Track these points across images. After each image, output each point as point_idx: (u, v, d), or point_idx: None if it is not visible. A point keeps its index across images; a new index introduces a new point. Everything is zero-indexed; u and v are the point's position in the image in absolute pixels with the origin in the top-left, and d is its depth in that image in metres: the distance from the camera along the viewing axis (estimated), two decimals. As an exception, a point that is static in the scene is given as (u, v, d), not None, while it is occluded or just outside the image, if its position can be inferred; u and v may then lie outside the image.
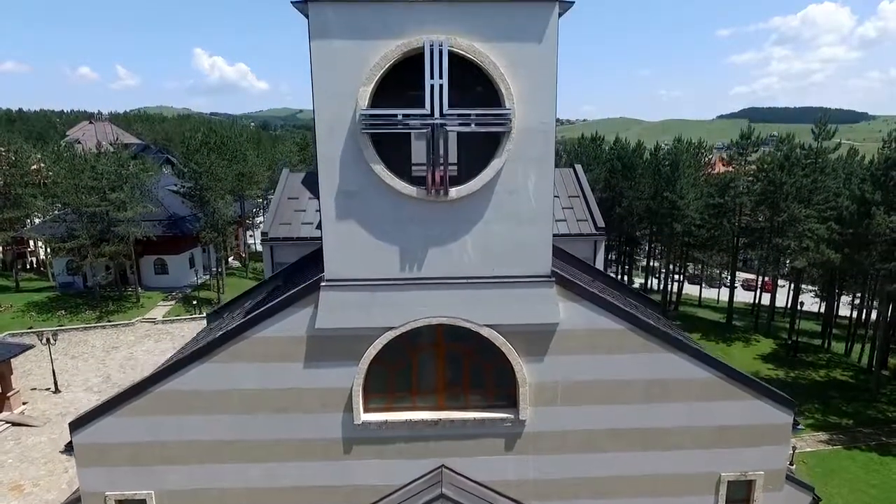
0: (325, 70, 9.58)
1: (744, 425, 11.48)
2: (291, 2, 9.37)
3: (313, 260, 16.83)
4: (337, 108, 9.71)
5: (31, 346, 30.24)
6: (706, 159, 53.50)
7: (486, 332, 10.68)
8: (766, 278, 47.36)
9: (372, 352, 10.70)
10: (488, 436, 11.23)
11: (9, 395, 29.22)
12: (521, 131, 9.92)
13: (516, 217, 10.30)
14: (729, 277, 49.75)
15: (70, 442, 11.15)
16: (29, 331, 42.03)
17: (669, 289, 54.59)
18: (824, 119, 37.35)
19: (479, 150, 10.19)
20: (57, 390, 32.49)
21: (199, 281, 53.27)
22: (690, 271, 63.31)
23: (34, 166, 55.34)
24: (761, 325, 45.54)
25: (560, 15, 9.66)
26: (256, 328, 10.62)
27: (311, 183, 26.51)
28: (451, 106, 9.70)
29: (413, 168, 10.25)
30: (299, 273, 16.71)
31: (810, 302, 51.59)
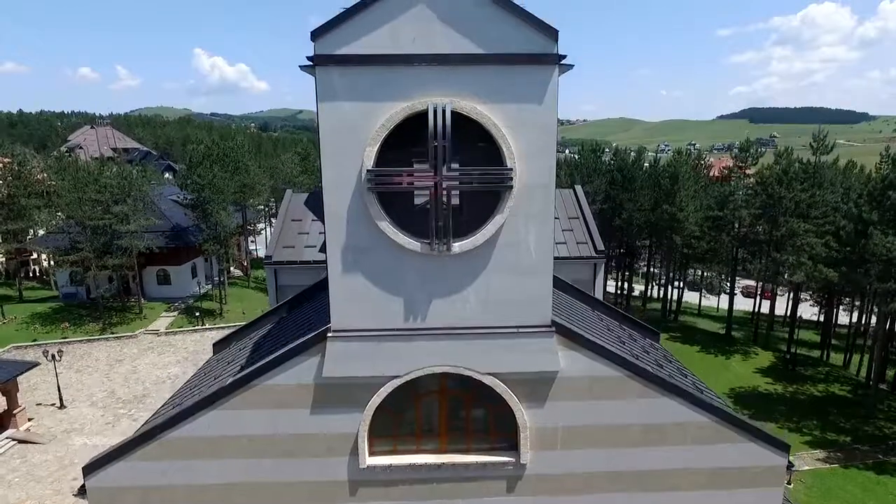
0: (332, 130, 9.89)
1: (739, 467, 11.75)
2: (300, 66, 9.66)
3: (318, 291, 17.15)
4: (343, 167, 10.01)
5: (36, 364, 30.58)
6: (705, 171, 53.74)
7: (488, 380, 10.97)
8: (766, 286, 47.63)
9: (377, 399, 10.98)
10: (490, 478, 11.52)
11: (15, 412, 29.58)
12: (521, 188, 10.21)
13: (517, 270, 10.59)
14: (728, 286, 50.11)
15: (83, 485, 11.45)
16: (33, 343, 42.46)
17: (669, 296, 54.88)
18: (822, 133, 37.60)
19: (481, 199, 10.49)
20: (62, 406, 32.84)
21: (202, 291, 53.64)
22: (690, 278, 63.65)
23: (38, 176, 55.69)
24: (760, 336, 45.85)
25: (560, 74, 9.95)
26: (265, 376, 10.91)
27: (314, 205, 26.82)
28: (454, 163, 9.99)
29: (416, 204, 10.52)
30: (304, 305, 17.02)
31: (809, 312, 51.93)
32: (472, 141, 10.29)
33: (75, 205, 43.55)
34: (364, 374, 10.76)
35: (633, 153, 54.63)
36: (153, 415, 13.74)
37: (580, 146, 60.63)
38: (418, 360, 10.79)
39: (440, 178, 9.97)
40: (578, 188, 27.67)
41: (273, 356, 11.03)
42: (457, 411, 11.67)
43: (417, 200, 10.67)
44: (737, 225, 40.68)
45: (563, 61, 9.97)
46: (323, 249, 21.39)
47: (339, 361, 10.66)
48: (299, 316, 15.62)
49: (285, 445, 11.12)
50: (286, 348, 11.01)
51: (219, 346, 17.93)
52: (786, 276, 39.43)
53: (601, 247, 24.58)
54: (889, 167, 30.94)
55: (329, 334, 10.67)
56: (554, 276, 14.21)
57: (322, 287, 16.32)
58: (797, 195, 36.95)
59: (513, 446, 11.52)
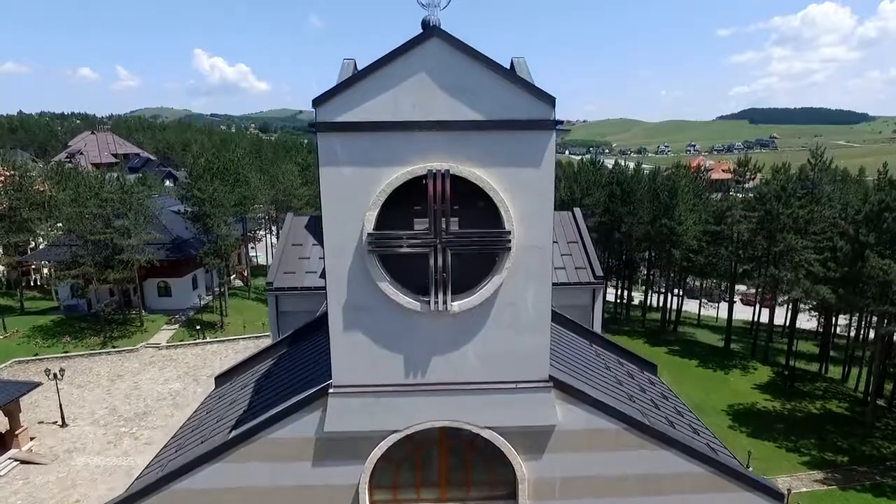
0: (333, 194, 10.07)
1: (735, 516, 11.92)
2: (304, 130, 9.80)
3: (318, 326, 17.30)
4: (344, 229, 10.20)
5: (38, 384, 30.72)
6: (704, 179, 53.87)
7: (486, 433, 11.14)
8: (766, 293, 47.55)
9: (378, 452, 11.16)
10: (489, 527, 11.70)
11: (17, 432, 29.74)
12: (520, 249, 10.39)
13: (515, 327, 10.78)
14: (727, 298, 50.26)
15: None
16: (35, 358, 42.63)
17: (668, 306, 54.99)
18: (820, 150, 37.77)
19: (480, 257, 10.67)
20: (64, 424, 32.99)
21: (202, 302, 53.79)
22: (689, 286, 63.73)
23: (39, 187, 55.83)
24: (759, 348, 45.99)
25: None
26: (268, 430, 11.08)
27: (315, 228, 26.96)
28: (453, 226, 10.17)
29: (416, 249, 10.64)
30: (305, 341, 17.17)
31: (808, 320, 51.98)
32: (472, 198, 10.49)
33: (76, 219, 43.70)
34: (365, 428, 10.95)
35: (631, 167, 54.70)
36: (155, 458, 13.88)
37: (580, 158, 60.69)
38: (418, 414, 10.98)
39: (440, 241, 10.17)
40: (577, 211, 27.73)
41: (275, 411, 11.21)
42: (456, 462, 11.85)
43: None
44: (735, 239, 40.85)
45: (559, 126, 10.20)
46: (323, 276, 21.55)
47: (341, 417, 10.84)
48: (300, 355, 15.77)
49: (288, 497, 11.30)
50: (288, 403, 11.19)
51: (221, 379, 18.05)
52: (783, 293, 39.61)
53: (600, 272, 24.72)
54: (886, 190, 31.12)
55: (330, 390, 10.86)
56: (553, 310, 14.48)
57: (321, 323, 16.54)
58: (795, 211, 37.14)
59: (511, 495, 11.71)
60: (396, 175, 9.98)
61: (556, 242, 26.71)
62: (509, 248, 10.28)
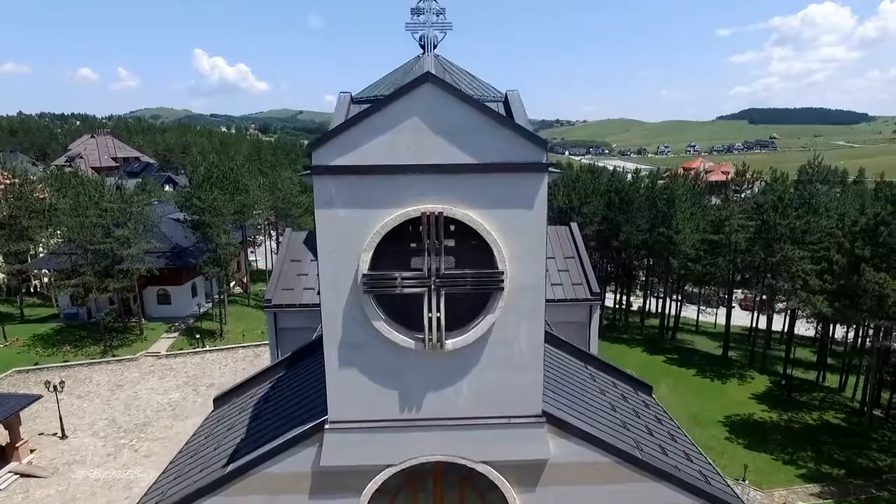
0: (328, 236, 10.22)
1: (726, 547, 12.05)
2: (300, 174, 9.97)
3: (315, 350, 17.43)
4: (340, 270, 10.35)
5: (38, 397, 30.85)
6: (703, 183, 53.87)
7: (481, 467, 11.28)
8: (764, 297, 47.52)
9: (373, 486, 11.30)
10: (484, 558, 11.83)
11: (17, 445, 29.87)
12: (512, 289, 10.53)
13: (508, 364, 10.93)
14: (726, 306, 50.37)
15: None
16: (35, 367, 42.77)
17: (667, 312, 55.08)
18: (817, 164, 37.90)
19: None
20: (64, 436, 33.13)
21: (202, 310, 53.95)
22: (688, 290, 63.74)
23: (39, 194, 55.96)
24: (757, 355, 46.10)
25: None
26: (264, 465, 11.22)
27: (314, 244, 27.07)
28: (447, 266, 10.31)
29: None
30: (302, 364, 17.31)
31: (805, 329, 52.14)
32: (467, 234, 10.64)
33: (76, 228, 43.84)
34: (361, 463, 11.09)
35: (630, 173, 54.80)
36: (154, 484, 14.01)
37: (580, 159, 60.75)
38: (413, 449, 11.12)
39: (434, 282, 10.31)
40: (574, 226, 27.88)
41: (272, 445, 11.35)
42: (452, 494, 11.99)
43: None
44: (733, 248, 41.01)
45: (551, 168, 10.34)
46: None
47: (337, 452, 10.99)
48: (297, 380, 15.91)
49: (284, 530, 11.43)
50: (285, 437, 11.34)
51: (219, 401, 18.17)
52: (780, 303, 39.76)
53: (596, 289, 24.87)
54: (881, 203, 31.26)
55: (326, 426, 11.01)
56: (547, 332, 14.64)
57: (318, 346, 16.68)
58: (792, 222, 37.28)
59: (506, 527, 11.84)
60: (391, 217, 10.13)
61: (553, 258, 26.96)
62: (502, 288, 10.43)
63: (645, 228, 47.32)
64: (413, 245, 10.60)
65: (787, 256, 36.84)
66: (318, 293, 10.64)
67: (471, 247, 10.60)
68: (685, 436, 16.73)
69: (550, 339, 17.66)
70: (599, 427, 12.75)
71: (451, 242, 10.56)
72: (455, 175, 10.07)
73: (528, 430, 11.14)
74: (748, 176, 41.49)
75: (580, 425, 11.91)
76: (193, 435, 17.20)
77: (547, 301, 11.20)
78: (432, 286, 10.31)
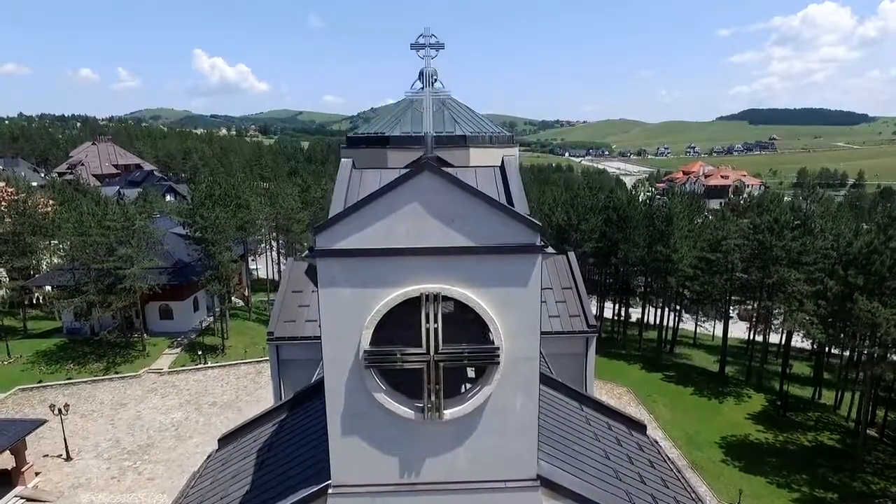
0: (331, 314, 10.67)
1: None
2: (303, 257, 10.42)
3: (317, 391, 17.87)
4: (342, 345, 10.79)
5: (43, 421, 31.27)
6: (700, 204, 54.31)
7: (477, 529, 11.71)
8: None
9: (374, 547, 11.73)
10: None
11: (23, 469, 30.30)
12: (508, 362, 10.97)
13: (504, 431, 11.37)
14: (723, 322, 50.77)
15: None
16: (38, 385, 43.25)
17: (665, 324, 55.49)
18: (813, 180, 38.24)
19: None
20: (69, 458, 33.57)
21: (204, 324, 54.40)
22: (687, 296, 63.96)
23: (42, 208, 56.45)
24: (754, 370, 46.51)
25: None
26: (268, 528, 11.64)
27: (314, 274, 27.52)
28: (444, 343, 10.76)
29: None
30: (305, 407, 17.74)
31: (801, 341, 52.50)
32: (464, 308, 11.09)
33: (79, 247, 44.30)
34: (363, 526, 11.53)
35: (628, 186, 55.10)
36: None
37: (580, 160, 61.07)
38: (412, 512, 11.56)
39: (432, 358, 10.76)
40: (572, 256, 28.22)
41: (277, 510, 11.78)
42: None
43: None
44: (730, 269, 41.45)
45: (545, 249, 10.79)
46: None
47: (339, 515, 11.43)
48: (300, 428, 16.35)
49: (288, 588, 11.87)
50: (288, 501, 11.78)
51: (224, 441, 18.62)
52: (776, 323, 40.20)
53: (593, 321, 25.20)
54: (875, 232, 31.73)
55: (330, 490, 11.44)
56: (544, 374, 15.07)
57: (320, 389, 17.12)
58: (788, 244, 37.72)
59: (502, 583, 12.28)
60: (391, 297, 10.56)
61: (550, 289, 27.37)
62: (498, 363, 10.87)
63: (643, 245, 47.78)
64: (413, 316, 11.06)
65: (783, 279, 37.30)
66: (322, 367, 11.08)
67: (468, 316, 11.07)
68: (678, 480, 17.15)
69: (547, 380, 18.07)
70: (592, 481, 13.21)
71: (449, 307, 11.00)
72: (453, 257, 10.52)
73: (523, 493, 11.57)
74: (745, 195, 41.47)
75: (573, 482, 12.35)
76: (198, 477, 17.63)
77: (544, 333, 11.66)
78: (431, 361, 10.76)
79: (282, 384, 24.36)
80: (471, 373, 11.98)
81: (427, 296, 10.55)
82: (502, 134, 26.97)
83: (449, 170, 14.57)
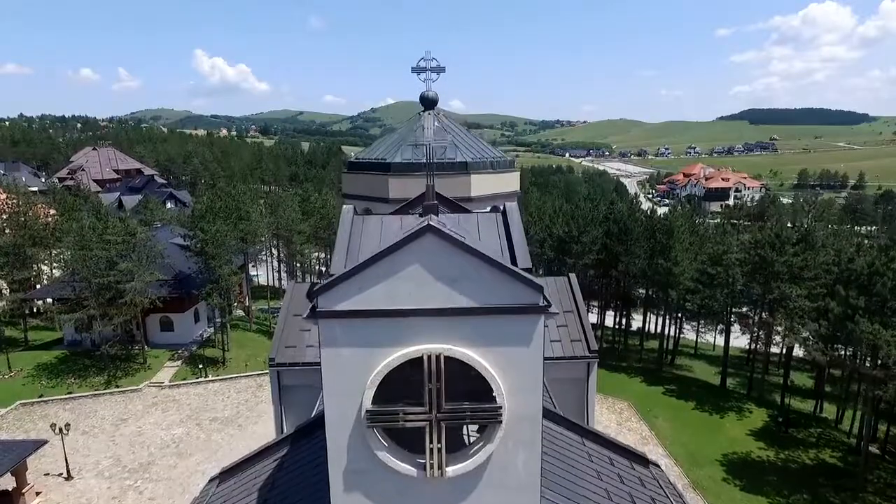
0: (333, 374, 10.64)
1: None
2: (305, 317, 10.42)
3: (318, 426, 17.82)
4: (344, 405, 10.76)
5: (44, 442, 31.25)
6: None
7: (480, 584, 11.67)
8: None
9: None
10: None
11: (23, 490, 30.29)
12: (511, 420, 10.94)
13: (506, 487, 11.35)
14: (724, 335, 50.69)
15: None
16: (39, 400, 43.23)
17: (666, 334, 55.38)
18: (814, 198, 38.19)
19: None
20: (69, 477, 33.53)
21: (205, 335, 54.36)
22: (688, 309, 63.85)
23: (43, 218, 56.39)
24: (756, 382, 46.43)
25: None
26: (271, 583, 11.60)
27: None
28: (447, 401, 10.72)
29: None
30: (306, 445, 17.71)
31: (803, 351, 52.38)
32: (465, 367, 11.05)
33: (80, 261, 44.27)
34: (366, 581, 11.50)
35: (631, 200, 55.15)
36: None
37: (580, 161, 60.97)
38: (415, 568, 11.52)
39: (435, 417, 10.73)
40: (573, 277, 28.09)
41: (278, 563, 11.75)
42: None
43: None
44: (731, 283, 41.41)
45: (549, 309, 10.75)
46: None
47: (342, 571, 11.40)
48: (302, 469, 16.32)
49: None
50: (291, 556, 11.75)
51: (225, 475, 18.56)
52: (777, 339, 40.16)
53: (594, 346, 25.11)
54: (876, 254, 31.66)
55: (332, 546, 11.41)
56: (546, 409, 15.04)
57: (321, 424, 17.08)
58: (789, 259, 37.65)
59: None
60: (392, 357, 10.52)
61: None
62: (501, 422, 10.84)
63: (644, 257, 47.73)
64: (415, 373, 11.03)
65: (784, 294, 37.24)
66: (325, 426, 11.04)
67: (470, 371, 11.04)
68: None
69: (548, 414, 18.04)
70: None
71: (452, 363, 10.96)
72: (455, 318, 10.48)
73: (526, 549, 11.55)
74: (745, 200, 41.55)
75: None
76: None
77: (545, 359, 11.57)
78: (434, 420, 10.72)
79: (283, 412, 24.30)
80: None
81: (430, 357, 10.54)
82: (503, 159, 26.96)
83: (451, 216, 14.59)
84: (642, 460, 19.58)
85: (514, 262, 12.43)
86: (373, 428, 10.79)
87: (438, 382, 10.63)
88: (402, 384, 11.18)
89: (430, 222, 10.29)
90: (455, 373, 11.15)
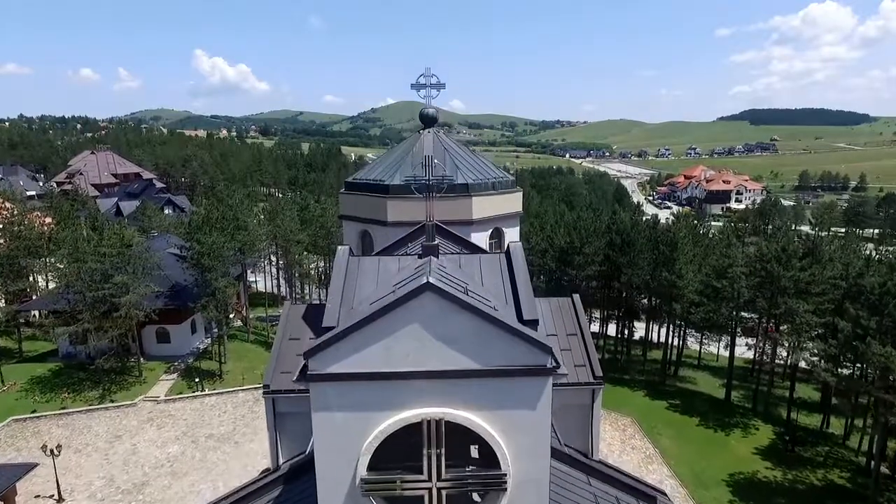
0: (326, 439, 9.93)
1: None
2: (294, 380, 9.70)
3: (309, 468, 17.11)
4: (338, 472, 10.06)
5: (35, 465, 30.58)
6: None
7: None
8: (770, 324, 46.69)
9: None
10: None
11: (13, 515, 29.58)
12: (515, 485, 10.23)
13: (510, 552, 10.60)
14: (728, 347, 49.94)
15: None
16: (32, 416, 42.46)
17: (670, 344, 54.62)
18: (819, 211, 37.51)
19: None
20: (60, 499, 32.77)
21: (202, 347, 53.61)
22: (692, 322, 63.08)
23: (39, 227, 55.68)
24: (761, 395, 45.65)
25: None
26: None
27: (312, 318, 26.69)
28: (448, 467, 10.00)
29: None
30: (298, 488, 17.00)
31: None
32: (467, 435, 10.29)
33: (75, 274, 43.53)
34: None
35: (633, 209, 54.41)
36: None
37: (580, 161, 60.17)
38: None
39: (435, 486, 10.00)
40: (576, 298, 27.33)
41: None
42: None
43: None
44: (735, 297, 40.67)
45: (556, 371, 10.02)
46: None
47: None
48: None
49: None
50: None
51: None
52: (784, 356, 39.46)
53: (599, 372, 24.33)
54: (887, 273, 30.92)
55: None
56: (551, 447, 14.28)
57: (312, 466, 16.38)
58: (795, 273, 36.93)
59: None
60: (389, 422, 9.83)
61: (555, 335, 26.55)
62: (506, 489, 10.12)
63: (647, 269, 46.99)
64: (413, 437, 10.29)
65: (791, 310, 36.52)
66: (318, 492, 10.32)
67: (472, 435, 10.31)
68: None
69: (552, 452, 17.33)
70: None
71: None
72: (456, 380, 9.76)
73: None
74: (746, 204, 40.88)
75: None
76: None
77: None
78: (433, 489, 10.01)
79: (279, 440, 23.56)
80: (474, 452, 11.19)
81: (428, 421, 9.81)
82: (505, 179, 26.11)
83: (451, 258, 13.84)
84: (648, 497, 18.88)
85: (518, 311, 11.73)
86: (368, 496, 10.09)
87: (438, 448, 9.92)
88: (400, 443, 10.47)
89: (429, 277, 9.52)
90: (458, 428, 10.45)
